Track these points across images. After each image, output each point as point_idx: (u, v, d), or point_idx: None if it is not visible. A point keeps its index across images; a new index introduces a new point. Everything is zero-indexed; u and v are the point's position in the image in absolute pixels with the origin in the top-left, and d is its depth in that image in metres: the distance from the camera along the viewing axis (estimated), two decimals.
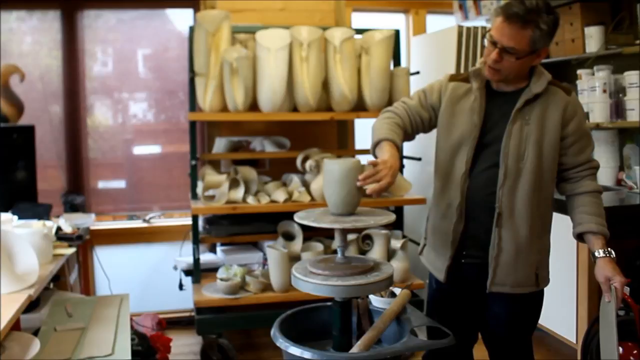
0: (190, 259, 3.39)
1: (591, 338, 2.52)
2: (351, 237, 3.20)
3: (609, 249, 1.86)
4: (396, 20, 4.35)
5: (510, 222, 1.88)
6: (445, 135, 1.96)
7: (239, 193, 3.23)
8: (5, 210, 2.79)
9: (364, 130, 4.12)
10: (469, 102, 1.93)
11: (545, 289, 2.02)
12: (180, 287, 3.60)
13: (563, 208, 2.02)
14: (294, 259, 3.09)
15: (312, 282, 1.73)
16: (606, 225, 1.89)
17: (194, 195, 3.34)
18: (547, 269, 1.99)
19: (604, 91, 3.04)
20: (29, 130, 3.21)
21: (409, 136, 2.03)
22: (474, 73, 1.95)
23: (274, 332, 1.82)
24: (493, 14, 1.84)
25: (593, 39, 3.14)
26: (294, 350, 1.70)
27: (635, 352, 2.41)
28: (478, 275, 1.95)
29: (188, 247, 3.53)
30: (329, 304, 1.88)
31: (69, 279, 3.33)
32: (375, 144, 1.90)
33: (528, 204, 1.87)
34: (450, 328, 1.83)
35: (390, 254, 3.21)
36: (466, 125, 1.92)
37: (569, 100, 1.90)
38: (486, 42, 1.84)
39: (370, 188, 1.75)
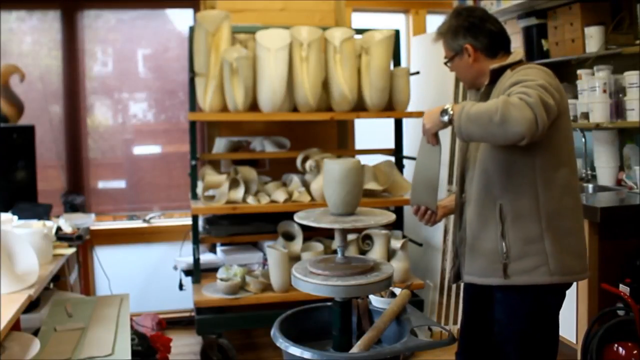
0: (190, 259, 3.39)
1: (591, 338, 2.52)
2: (351, 237, 3.20)
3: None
4: (396, 20, 4.35)
5: (469, 209, 1.93)
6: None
7: (239, 193, 3.22)
8: (5, 210, 2.79)
9: (364, 130, 4.12)
10: None
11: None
12: (180, 287, 3.60)
13: None
14: (294, 259, 3.09)
15: (312, 282, 1.73)
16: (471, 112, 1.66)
17: (194, 195, 3.34)
18: (527, 262, 1.82)
19: (604, 91, 3.04)
20: (29, 130, 3.21)
21: None
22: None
23: (274, 332, 1.82)
24: None
25: (593, 39, 3.13)
26: (294, 350, 1.70)
27: (635, 352, 2.41)
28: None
29: (188, 247, 3.53)
30: (329, 304, 1.88)
31: (69, 279, 3.33)
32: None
33: (478, 189, 1.88)
34: (480, 324, 2.00)
35: (390, 254, 3.20)
36: None
37: (507, 74, 1.86)
38: None
39: None
